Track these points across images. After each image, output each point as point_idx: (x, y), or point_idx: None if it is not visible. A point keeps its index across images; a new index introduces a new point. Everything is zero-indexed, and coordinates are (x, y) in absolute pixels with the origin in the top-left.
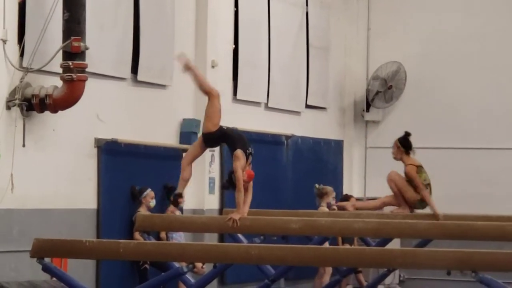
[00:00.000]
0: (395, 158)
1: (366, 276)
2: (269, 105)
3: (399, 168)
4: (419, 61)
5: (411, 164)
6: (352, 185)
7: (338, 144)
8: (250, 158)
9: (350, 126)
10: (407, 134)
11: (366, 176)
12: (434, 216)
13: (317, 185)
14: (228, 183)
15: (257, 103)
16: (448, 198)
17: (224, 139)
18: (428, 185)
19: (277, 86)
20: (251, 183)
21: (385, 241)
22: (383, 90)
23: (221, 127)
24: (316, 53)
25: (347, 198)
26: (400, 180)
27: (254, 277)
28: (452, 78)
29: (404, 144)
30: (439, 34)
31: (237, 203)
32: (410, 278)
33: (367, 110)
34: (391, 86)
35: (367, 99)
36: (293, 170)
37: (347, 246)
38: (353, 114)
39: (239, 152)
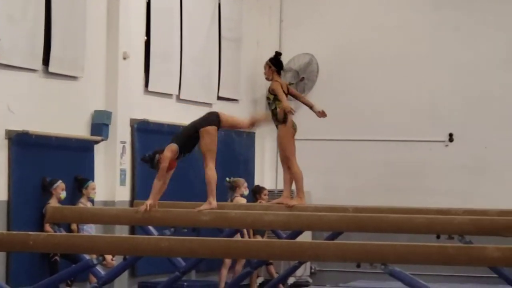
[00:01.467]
0: (267, 79)
1: (277, 268)
2: (181, 97)
3: (310, 158)
4: (332, 53)
5: (277, 81)
6: (263, 176)
7: (250, 136)
8: (181, 157)
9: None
10: (278, 54)
11: (277, 168)
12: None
13: (228, 179)
14: (149, 159)
15: (168, 95)
16: (360, 190)
17: None
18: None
19: (189, 78)
20: (170, 175)
21: (297, 234)
22: (295, 82)
23: None
24: (228, 45)
25: (259, 189)
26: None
27: (165, 269)
28: (365, 70)
29: (275, 64)
30: (351, 26)
31: (152, 190)
32: (321, 270)
33: None
34: (303, 78)
35: None
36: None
37: (258, 238)
38: (265, 106)
39: (174, 146)
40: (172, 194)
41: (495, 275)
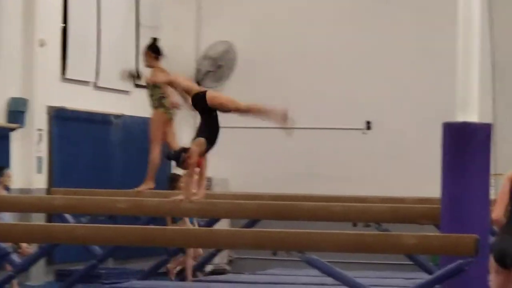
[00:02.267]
0: (148, 66)
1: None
2: (99, 84)
3: (228, 145)
4: (250, 40)
5: (158, 67)
6: None
7: None
8: (210, 148)
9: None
10: (155, 40)
11: None
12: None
13: (170, 173)
14: (175, 157)
15: (86, 82)
16: (278, 178)
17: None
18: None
19: (106, 65)
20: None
21: (214, 222)
22: (213, 70)
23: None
24: (146, 32)
25: (175, 178)
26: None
27: (82, 257)
28: (283, 58)
29: (154, 50)
30: (270, 14)
31: (184, 186)
32: (238, 258)
33: None
34: (221, 65)
35: (197, 78)
36: (122, 149)
37: (176, 226)
38: None
39: (201, 140)
40: (88, 182)
41: (412, 262)
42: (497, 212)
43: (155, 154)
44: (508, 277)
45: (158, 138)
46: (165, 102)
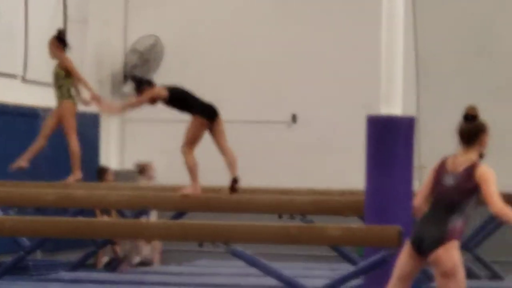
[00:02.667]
0: (54, 57)
1: (123, 248)
2: (27, 77)
3: (156, 139)
4: (178, 34)
5: (66, 58)
6: (109, 157)
7: (96, 117)
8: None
9: (108, 99)
10: (61, 31)
11: (123, 149)
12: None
13: (137, 162)
14: (137, 80)
15: (13, 76)
16: (204, 171)
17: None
18: None
19: (34, 59)
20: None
21: (142, 213)
22: (141, 63)
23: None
24: (74, 26)
25: (103, 170)
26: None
27: (11, 248)
28: (209, 51)
29: (61, 40)
30: (197, 7)
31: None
32: (166, 249)
33: (125, 82)
34: (148, 59)
35: (124, 72)
36: (50, 143)
37: (105, 218)
38: (110, 87)
39: (166, 91)
40: (16, 174)
41: (336, 254)
42: (417, 200)
43: (75, 144)
44: (418, 265)
45: (74, 128)
46: (72, 93)
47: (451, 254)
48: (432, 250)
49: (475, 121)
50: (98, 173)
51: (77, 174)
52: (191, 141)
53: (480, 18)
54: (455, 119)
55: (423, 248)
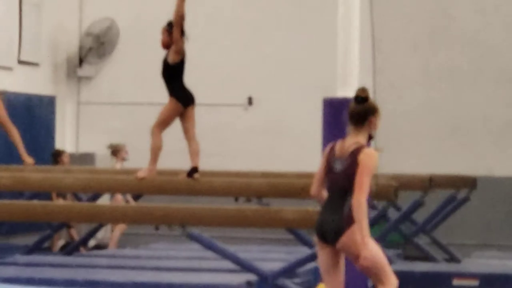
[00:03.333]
0: (165, 47)
1: (79, 231)
2: None
3: (111, 122)
4: (133, 17)
5: None
6: (65, 140)
7: (51, 100)
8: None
9: (63, 82)
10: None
11: (78, 132)
12: None
13: (110, 144)
14: None
15: None
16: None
17: None
18: None
19: None
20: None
21: (97, 197)
22: (96, 46)
23: None
24: (29, 8)
25: (58, 153)
26: None
27: None
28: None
29: None
30: None
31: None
32: (123, 233)
33: (80, 66)
34: (103, 42)
35: (80, 55)
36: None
37: (60, 201)
38: (66, 70)
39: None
40: None
41: (293, 237)
42: (313, 189)
43: (15, 132)
44: (334, 254)
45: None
46: None
47: (354, 239)
48: (336, 240)
49: (364, 103)
50: (53, 156)
51: (28, 160)
52: (162, 123)
53: None
54: (411, 99)
55: (328, 238)
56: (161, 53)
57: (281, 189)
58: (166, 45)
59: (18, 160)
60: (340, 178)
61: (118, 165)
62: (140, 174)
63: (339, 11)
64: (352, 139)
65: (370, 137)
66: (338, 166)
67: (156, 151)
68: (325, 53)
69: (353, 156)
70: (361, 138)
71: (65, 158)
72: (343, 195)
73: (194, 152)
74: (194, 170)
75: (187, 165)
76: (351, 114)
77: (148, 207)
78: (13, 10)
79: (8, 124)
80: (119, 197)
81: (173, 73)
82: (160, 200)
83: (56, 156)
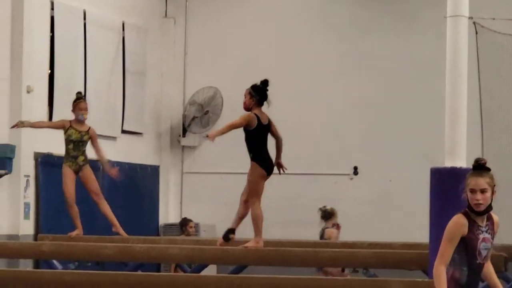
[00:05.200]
0: (245, 108)
1: None
2: None
3: (215, 191)
4: (236, 86)
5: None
6: (168, 210)
7: (155, 170)
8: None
9: (167, 152)
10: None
11: (182, 202)
12: None
13: (322, 207)
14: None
15: None
16: (265, 224)
17: None
18: None
19: (93, 111)
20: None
21: (202, 267)
22: (200, 116)
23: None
24: (133, 78)
25: (185, 222)
26: None
27: None
28: (271, 103)
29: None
30: (255, 58)
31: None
32: None
33: (184, 135)
34: (207, 111)
35: (183, 124)
36: (108, 195)
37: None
38: (169, 140)
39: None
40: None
41: None
42: None
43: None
44: None
45: None
46: None
47: None
48: None
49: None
50: (180, 224)
51: (123, 233)
52: (256, 193)
53: None
54: None
55: None
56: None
57: (388, 259)
58: (247, 108)
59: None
60: None
61: (331, 231)
62: (248, 244)
63: (446, 80)
64: None
65: (469, 206)
66: None
67: (258, 221)
68: (432, 122)
69: None
70: None
71: (191, 228)
72: None
73: (242, 217)
74: (229, 231)
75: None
76: None
77: (253, 278)
78: (117, 80)
79: (99, 196)
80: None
81: (255, 137)
82: (264, 271)
83: (182, 225)
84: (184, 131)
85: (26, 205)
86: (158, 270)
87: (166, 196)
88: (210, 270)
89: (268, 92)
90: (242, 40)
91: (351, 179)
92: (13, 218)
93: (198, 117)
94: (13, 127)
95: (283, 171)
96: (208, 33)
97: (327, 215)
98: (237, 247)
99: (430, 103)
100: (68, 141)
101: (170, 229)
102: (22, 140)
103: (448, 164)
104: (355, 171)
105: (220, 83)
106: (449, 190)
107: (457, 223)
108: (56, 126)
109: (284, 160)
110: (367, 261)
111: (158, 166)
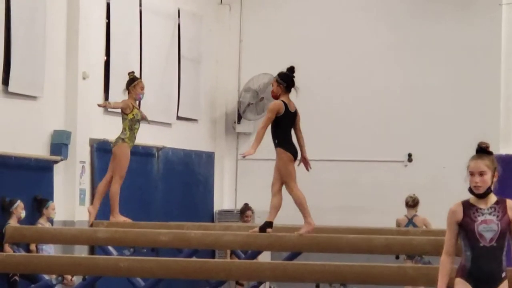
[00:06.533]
0: (273, 96)
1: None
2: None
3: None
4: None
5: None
6: (223, 197)
7: (209, 156)
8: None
9: (222, 138)
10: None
11: (237, 188)
12: None
13: (412, 195)
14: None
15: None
16: (319, 211)
17: None
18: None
19: (148, 98)
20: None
21: (256, 254)
22: (255, 102)
23: None
24: (188, 64)
25: (246, 208)
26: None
27: None
28: (324, 91)
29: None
30: (311, 46)
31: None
32: None
33: (239, 122)
34: (262, 98)
35: (238, 111)
36: (164, 182)
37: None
38: (224, 126)
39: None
40: (131, 214)
41: None
42: None
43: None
44: None
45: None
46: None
47: None
48: None
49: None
50: (241, 211)
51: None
52: (291, 177)
53: None
54: None
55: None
56: (319, 108)
57: (442, 246)
58: (275, 96)
59: (176, 217)
60: None
61: (419, 219)
62: (301, 231)
63: (502, 67)
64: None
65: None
66: None
67: (303, 204)
68: (487, 109)
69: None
70: None
71: (249, 215)
72: None
73: (271, 207)
74: (267, 224)
75: (351, 223)
76: None
77: (307, 264)
78: (173, 67)
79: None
80: None
81: (281, 125)
82: (318, 258)
83: (242, 212)
84: (239, 117)
85: (82, 191)
86: (213, 257)
87: (221, 182)
88: (265, 257)
89: (295, 79)
90: (297, 26)
91: (405, 166)
92: (69, 204)
93: (253, 104)
94: (100, 105)
95: (310, 167)
96: (263, 19)
97: (416, 203)
98: (291, 234)
99: (485, 90)
100: (134, 121)
101: (225, 215)
102: (77, 127)
103: (503, 151)
104: (409, 158)
105: (275, 70)
106: (504, 177)
107: (449, 212)
108: (125, 106)
109: (338, 147)
110: (421, 248)
111: (213, 153)
